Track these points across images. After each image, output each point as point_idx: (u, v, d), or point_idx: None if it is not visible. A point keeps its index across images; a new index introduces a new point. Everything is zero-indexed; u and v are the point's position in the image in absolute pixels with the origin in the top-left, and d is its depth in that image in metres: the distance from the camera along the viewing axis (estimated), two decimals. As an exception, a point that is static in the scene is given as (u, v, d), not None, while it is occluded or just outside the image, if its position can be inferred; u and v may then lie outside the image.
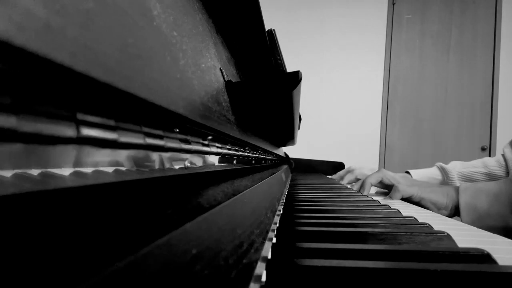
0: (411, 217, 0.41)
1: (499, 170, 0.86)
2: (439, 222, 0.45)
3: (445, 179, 0.91)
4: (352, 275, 0.20)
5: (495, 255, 0.24)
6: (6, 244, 0.07)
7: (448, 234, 0.30)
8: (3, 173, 0.09)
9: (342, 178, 1.13)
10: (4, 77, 0.07)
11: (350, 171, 1.11)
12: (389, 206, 0.50)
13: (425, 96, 2.76)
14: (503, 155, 0.87)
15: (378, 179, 0.83)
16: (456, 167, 0.91)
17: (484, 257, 0.24)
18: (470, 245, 0.26)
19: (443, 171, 0.92)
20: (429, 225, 0.35)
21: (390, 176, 0.83)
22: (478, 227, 0.65)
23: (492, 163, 0.87)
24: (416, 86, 2.77)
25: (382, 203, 0.55)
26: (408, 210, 0.57)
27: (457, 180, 0.89)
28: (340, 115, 2.79)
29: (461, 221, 0.68)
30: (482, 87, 2.68)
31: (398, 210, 0.47)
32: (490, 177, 0.85)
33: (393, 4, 2.78)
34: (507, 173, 0.84)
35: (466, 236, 0.37)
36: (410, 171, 0.97)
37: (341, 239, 0.30)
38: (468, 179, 0.88)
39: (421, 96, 2.76)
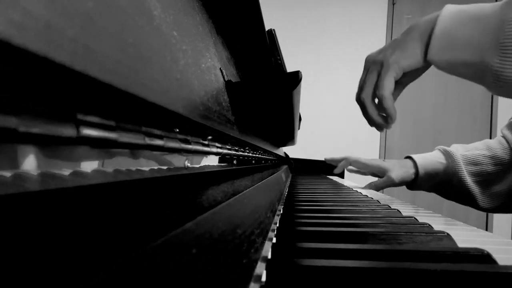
0: (411, 217, 0.41)
1: (502, 153, 0.79)
2: (437, 222, 0.45)
3: (450, 162, 0.84)
4: (352, 275, 0.20)
5: (495, 255, 0.24)
6: (7, 245, 0.07)
7: (448, 234, 0.30)
8: (3, 173, 0.09)
9: (334, 160, 1.06)
10: (4, 77, 0.07)
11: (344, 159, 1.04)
12: (388, 206, 0.50)
13: (425, 96, 2.76)
14: (503, 137, 0.80)
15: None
16: (459, 150, 0.85)
17: (484, 257, 0.24)
18: (470, 245, 0.26)
19: (447, 154, 0.85)
20: (429, 225, 0.35)
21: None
22: (448, 60, 0.51)
23: (495, 146, 0.81)
24: (416, 86, 2.76)
25: (382, 203, 0.55)
26: (408, 210, 0.57)
27: (462, 163, 0.82)
28: (340, 115, 2.79)
29: (426, 55, 0.53)
30: (482, 87, 2.67)
31: (398, 210, 0.47)
32: (495, 160, 0.79)
33: (393, 4, 2.78)
34: (511, 156, 0.78)
35: (465, 236, 0.37)
36: (413, 156, 0.90)
37: (341, 239, 0.30)
38: (473, 162, 0.81)
39: (421, 96, 2.76)
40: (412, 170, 0.87)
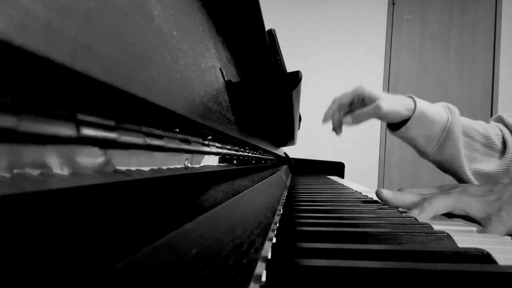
0: (411, 217, 0.41)
1: (495, 137, 0.75)
2: (437, 222, 0.45)
3: (451, 118, 0.75)
4: (352, 275, 0.20)
5: (495, 255, 0.24)
6: (7, 245, 0.07)
7: (448, 234, 0.30)
8: (3, 173, 0.09)
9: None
10: (4, 77, 0.07)
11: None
12: (388, 206, 0.50)
13: (425, 96, 2.74)
14: (498, 127, 0.76)
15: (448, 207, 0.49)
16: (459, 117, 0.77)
17: (484, 257, 0.24)
18: (470, 245, 0.26)
19: (450, 109, 0.77)
20: (429, 225, 0.35)
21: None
22: None
23: (490, 128, 0.76)
24: (416, 86, 2.77)
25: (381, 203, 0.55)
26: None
27: (460, 128, 0.75)
28: (340, 115, 2.79)
29: None
30: (482, 87, 2.67)
31: (398, 210, 0.47)
32: (487, 140, 0.74)
33: (393, 4, 2.78)
34: (503, 143, 0.73)
35: (465, 236, 0.37)
36: (413, 96, 0.78)
37: (341, 239, 0.30)
38: (465, 133, 0.75)
39: (421, 96, 2.75)
40: (408, 107, 0.74)
